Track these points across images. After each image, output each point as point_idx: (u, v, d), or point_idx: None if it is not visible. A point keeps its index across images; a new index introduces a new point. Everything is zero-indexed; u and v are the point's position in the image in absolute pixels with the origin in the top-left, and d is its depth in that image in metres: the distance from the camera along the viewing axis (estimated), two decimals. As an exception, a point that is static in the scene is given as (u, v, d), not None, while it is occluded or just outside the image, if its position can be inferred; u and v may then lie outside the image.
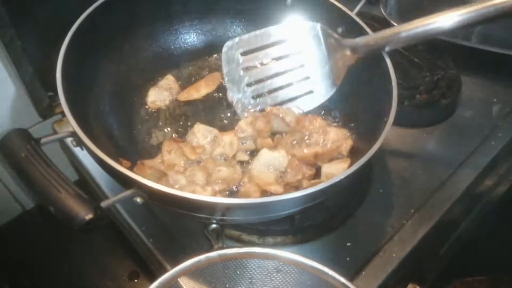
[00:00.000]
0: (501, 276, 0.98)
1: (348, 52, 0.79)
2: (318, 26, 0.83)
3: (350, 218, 0.83)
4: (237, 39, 0.87)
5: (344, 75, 0.82)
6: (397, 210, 0.85)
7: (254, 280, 0.66)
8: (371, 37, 0.78)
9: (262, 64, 0.87)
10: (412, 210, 0.85)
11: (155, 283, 0.60)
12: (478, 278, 0.97)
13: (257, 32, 0.86)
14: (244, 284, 0.66)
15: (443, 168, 0.92)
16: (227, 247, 0.63)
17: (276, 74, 0.87)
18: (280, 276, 0.65)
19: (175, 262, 0.74)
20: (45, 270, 1.13)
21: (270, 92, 0.87)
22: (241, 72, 0.87)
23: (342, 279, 0.60)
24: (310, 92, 0.86)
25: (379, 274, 0.76)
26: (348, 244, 0.80)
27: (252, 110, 0.87)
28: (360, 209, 0.84)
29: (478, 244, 1.04)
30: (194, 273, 0.63)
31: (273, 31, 0.86)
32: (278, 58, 0.86)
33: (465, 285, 0.96)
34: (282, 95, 0.87)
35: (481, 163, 0.93)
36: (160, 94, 0.90)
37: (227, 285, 0.66)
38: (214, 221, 0.70)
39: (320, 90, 0.85)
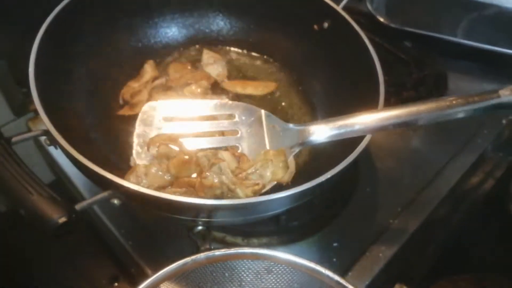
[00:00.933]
0: (487, 274, 0.98)
1: (293, 144, 0.72)
2: (262, 112, 0.77)
3: (337, 218, 0.82)
4: (166, 102, 0.79)
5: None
6: (383, 209, 0.84)
7: (243, 283, 0.64)
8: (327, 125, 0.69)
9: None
10: (399, 209, 0.84)
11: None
12: (464, 276, 0.97)
13: (194, 101, 0.81)
14: (233, 287, 0.64)
15: (430, 166, 0.91)
16: (215, 249, 0.60)
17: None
18: (271, 277, 0.63)
19: (155, 265, 0.72)
20: (20, 275, 1.10)
21: None
22: None
23: (336, 277, 0.58)
24: None
25: (366, 275, 0.75)
26: (334, 244, 0.78)
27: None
28: (346, 208, 0.83)
29: (464, 242, 1.04)
30: (180, 277, 0.60)
31: (211, 105, 0.78)
32: (208, 134, 0.76)
33: (451, 284, 0.96)
34: None
35: (468, 160, 0.93)
36: None
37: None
38: (198, 223, 0.67)
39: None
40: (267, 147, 0.75)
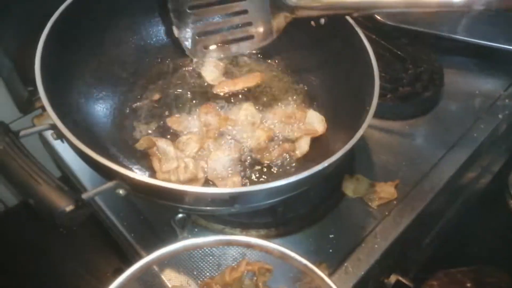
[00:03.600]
0: (484, 267, 0.99)
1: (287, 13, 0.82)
2: None
3: (333, 210, 0.83)
4: None
5: (284, 28, 0.85)
6: (379, 202, 0.86)
7: (222, 267, 0.69)
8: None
9: (208, 5, 0.86)
10: (394, 202, 0.85)
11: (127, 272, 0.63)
12: (461, 269, 0.98)
13: None
14: (213, 271, 0.69)
15: (425, 160, 0.92)
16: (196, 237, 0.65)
17: (223, 16, 0.88)
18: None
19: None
20: (28, 268, 1.12)
21: (214, 32, 0.87)
22: (187, 10, 0.85)
23: (304, 261, 0.62)
24: (251, 37, 0.87)
25: (362, 265, 0.77)
26: (331, 236, 0.80)
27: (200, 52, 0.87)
28: (343, 200, 0.85)
29: (461, 236, 1.06)
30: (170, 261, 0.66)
31: None
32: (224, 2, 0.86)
33: (448, 276, 0.97)
34: (226, 35, 0.88)
35: (463, 154, 0.94)
36: None
37: (195, 272, 0.69)
38: (200, 212, 0.69)
39: (259, 37, 0.87)
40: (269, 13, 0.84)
